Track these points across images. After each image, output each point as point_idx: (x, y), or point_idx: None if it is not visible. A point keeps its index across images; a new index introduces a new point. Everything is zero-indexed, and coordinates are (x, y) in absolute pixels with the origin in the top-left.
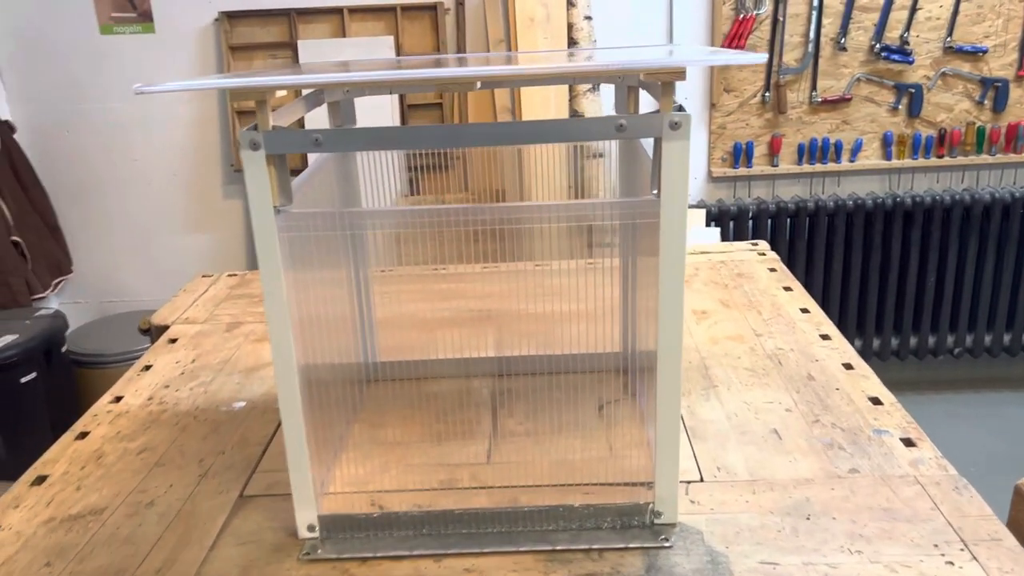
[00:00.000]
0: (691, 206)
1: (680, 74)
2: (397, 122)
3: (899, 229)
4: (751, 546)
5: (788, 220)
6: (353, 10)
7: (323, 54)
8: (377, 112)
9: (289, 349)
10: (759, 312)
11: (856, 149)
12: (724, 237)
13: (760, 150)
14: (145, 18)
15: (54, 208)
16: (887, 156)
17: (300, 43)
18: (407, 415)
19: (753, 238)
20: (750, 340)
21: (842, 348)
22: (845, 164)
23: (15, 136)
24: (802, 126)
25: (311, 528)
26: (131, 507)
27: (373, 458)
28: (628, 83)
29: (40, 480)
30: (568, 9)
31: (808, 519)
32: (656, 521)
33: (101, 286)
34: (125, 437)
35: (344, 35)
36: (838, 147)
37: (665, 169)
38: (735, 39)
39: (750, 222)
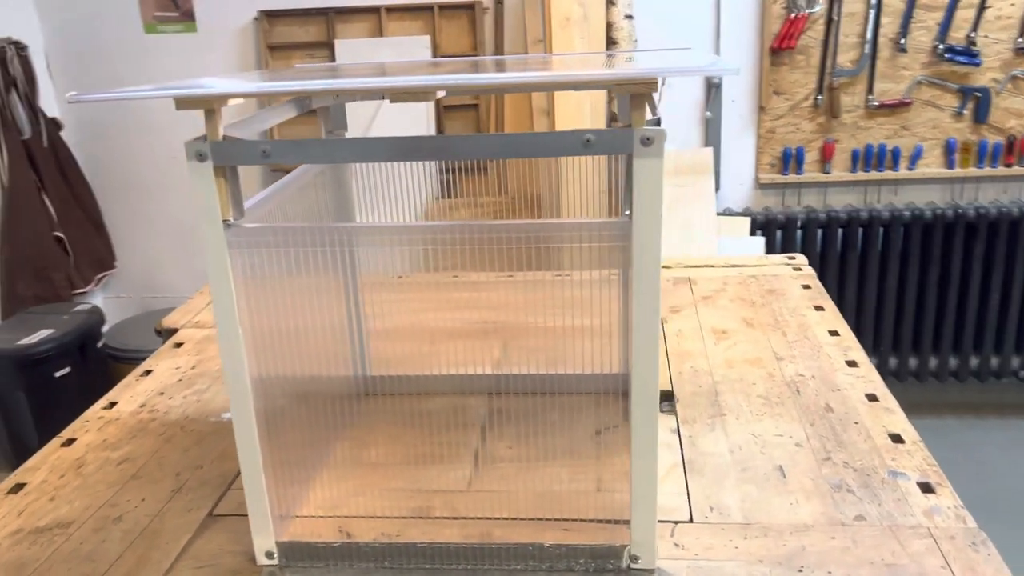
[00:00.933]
0: (736, 214)
1: (652, 85)
2: (432, 124)
3: (960, 242)
4: None
5: (840, 230)
6: (391, 9)
7: (360, 54)
8: (413, 114)
9: (241, 367)
10: (784, 333)
11: (916, 156)
12: (770, 247)
13: (811, 156)
14: (187, 17)
15: (99, 204)
16: (949, 164)
17: (337, 43)
18: (395, 433)
19: (802, 248)
20: (769, 364)
21: (868, 376)
22: (903, 172)
23: (62, 133)
24: (857, 131)
25: (269, 555)
26: (99, 521)
27: (351, 479)
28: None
29: (17, 488)
30: (608, 8)
31: (800, 571)
32: (633, 566)
33: (143, 282)
34: (110, 446)
35: (381, 35)
36: (896, 154)
37: (637, 189)
38: (785, 39)
39: (799, 232)
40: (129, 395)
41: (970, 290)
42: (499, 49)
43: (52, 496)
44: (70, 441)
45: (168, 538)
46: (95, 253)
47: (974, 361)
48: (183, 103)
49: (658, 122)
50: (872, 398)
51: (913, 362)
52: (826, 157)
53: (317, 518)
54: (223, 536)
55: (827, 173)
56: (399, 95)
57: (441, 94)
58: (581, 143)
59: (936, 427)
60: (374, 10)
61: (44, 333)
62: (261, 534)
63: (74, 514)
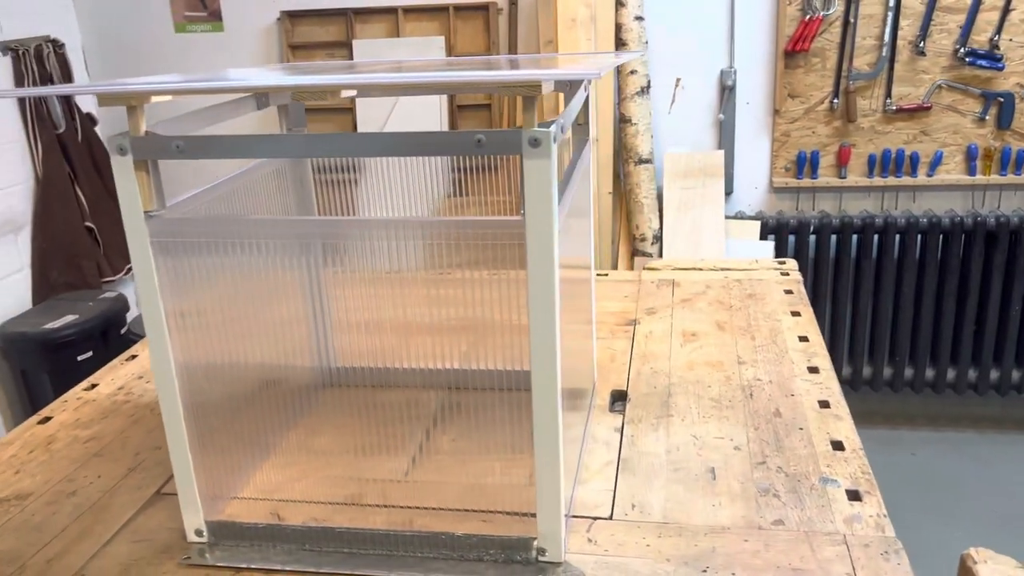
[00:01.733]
0: (747, 217)
1: (536, 88)
2: (445, 122)
3: (980, 251)
4: None
5: (854, 236)
6: (408, 10)
7: (377, 53)
8: (426, 112)
9: (166, 354)
10: (753, 337)
11: (935, 162)
12: (782, 252)
13: (827, 160)
14: (215, 17)
15: None
16: (971, 171)
17: (355, 43)
18: (348, 423)
19: (816, 254)
20: (730, 368)
21: (826, 383)
22: (922, 178)
23: (96, 128)
24: (874, 136)
25: (199, 532)
26: (55, 495)
27: (296, 466)
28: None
29: None
30: (617, 9)
31: (704, 572)
32: (541, 558)
33: None
34: (81, 425)
35: (399, 35)
36: (914, 159)
37: (527, 189)
38: (799, 41)
39: (812, 237)
40: (111, 378)
41: (990, 301)
42: (512, 49)
43: (18, 470)
44: (46, 419)
45: (114, 513)
46: (126, 244)
47: (994, 374)
48: (105, 99)
49: (549, 124)
50: (824, 405)
51: (930, 373)
52: (842, 162)
53: (254, 500)
54: (164, 514)
55: (843, 178)
56: (301, 94)
57: (351, 93)
58: (473, 143)
59: (955, 440)
60: (391, 11)
61: (69, 318)
62: (191, 513)
63: (34, 487)
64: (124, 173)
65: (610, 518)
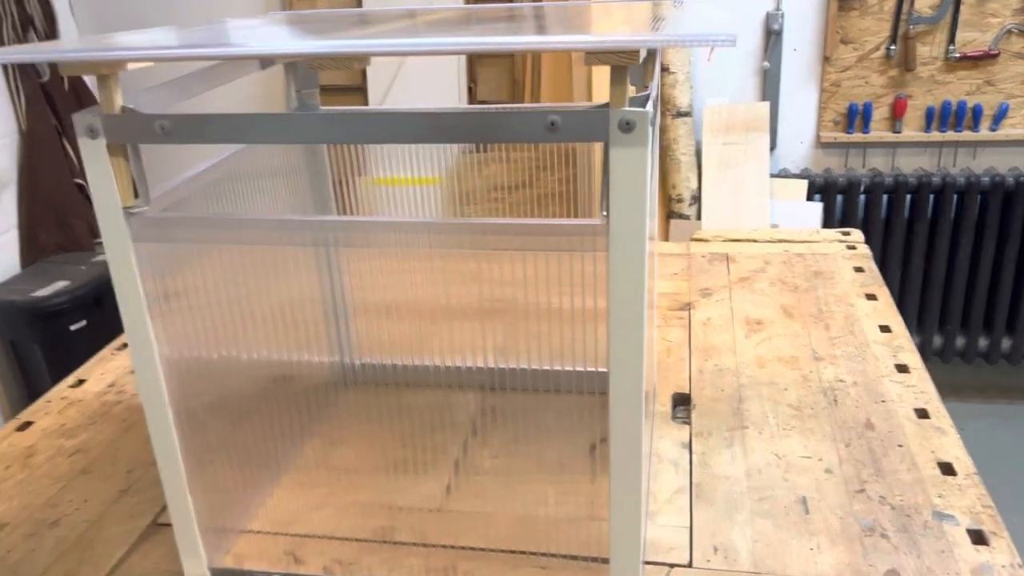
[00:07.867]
0: (793, 176)
1: (634, 56)
2: (463, 76)
3: None
4: None
5: (908, 196)
6: None
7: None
8: (440, 66)
9: (153, 362)
10: (827, 327)
11: (1000, 115)
12: (829, 212)
13: (880, 113)
14: None
15: None
16: None
17: None
18: (372, 432)
19: (865, 216)
20: (806, 365)
21: (921, 386)
22: (984, 133)
23: (84, 77)
24: (934, 86)
25: None
26: (34, 525)
27: (314, 487)
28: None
29: None
30: None
31: None
32: None
33: None
34: (66, 432)
35: None
36: (977, 112)
37: (615, 185)
38: None
39: (862, 197)
40: (100, 372)
41: None
42: None
43: None
44: (26, 424)
45: (102, 550)
46: None
47: None
48: (68, 68)
49: (644, 101)
50: (922, 414)
51: (984, 343)
52: (897, 114)
53: (267, 535)
54: (161, 551)
55: (897, 132)
56: (337, 61)
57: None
58: (544, 127)
59: (1006, 413)
60: None
61: (59, 285)
62: (191, 559)
63: (10, 515)
64: (96, 160)
65: (689, 565)
